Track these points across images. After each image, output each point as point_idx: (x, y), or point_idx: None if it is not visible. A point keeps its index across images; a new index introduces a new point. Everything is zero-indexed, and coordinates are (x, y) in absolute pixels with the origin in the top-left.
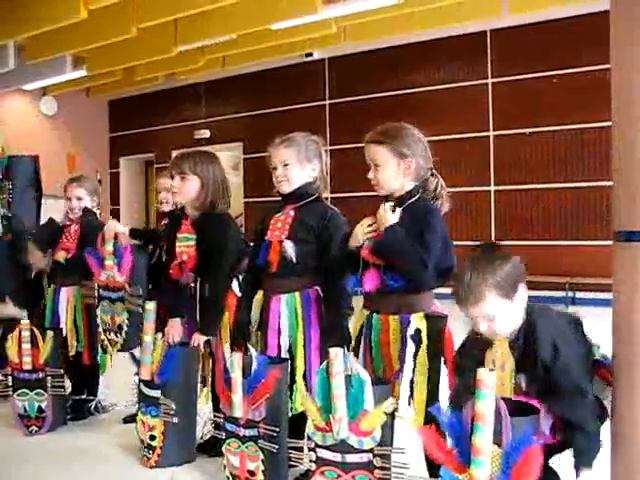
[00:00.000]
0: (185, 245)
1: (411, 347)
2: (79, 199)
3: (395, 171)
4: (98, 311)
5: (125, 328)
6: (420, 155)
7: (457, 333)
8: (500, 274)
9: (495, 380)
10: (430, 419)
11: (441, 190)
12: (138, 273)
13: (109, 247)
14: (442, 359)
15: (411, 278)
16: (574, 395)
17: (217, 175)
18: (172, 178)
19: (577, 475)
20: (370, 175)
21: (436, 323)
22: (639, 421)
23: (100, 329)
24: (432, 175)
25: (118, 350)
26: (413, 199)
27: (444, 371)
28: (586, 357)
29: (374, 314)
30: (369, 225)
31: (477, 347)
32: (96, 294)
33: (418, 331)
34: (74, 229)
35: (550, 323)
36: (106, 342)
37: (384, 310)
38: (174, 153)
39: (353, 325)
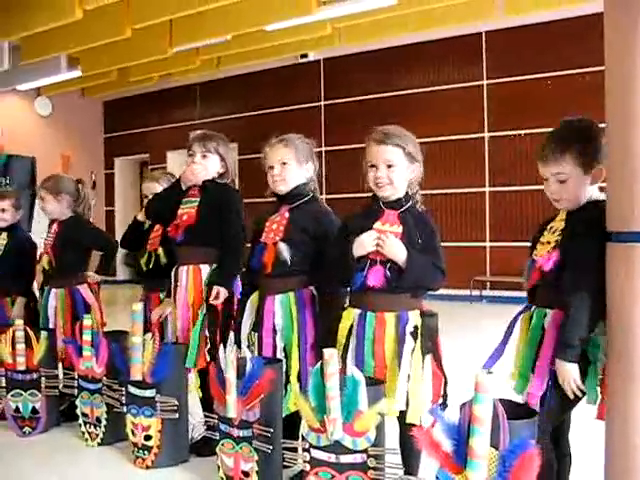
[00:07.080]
0: (188, 207)
1: (410, 343)
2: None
3: (406, 174)
4: (77, 402)
5: (104, 422)
6: (421, 162)
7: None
8: (584, 144)
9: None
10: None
11: (417, 195)
12: (115, 366)
13: (87, 337)
14: (431, 355)
15: (432, 288)
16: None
17: (231, 157)
18: (191, 156)
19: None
20: (380, 174)
21: (431, 320)
22: (634, 416)
23: (80, 421)
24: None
25: (98, 444)
26: (409, 204)
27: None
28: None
29: (368, 312)
30: (376, 238)
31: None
32: (76, 384)
33: (416, 328)
34: (54, 229)
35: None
36: (86, 435)
37: (381, 308)
38: (169, 154)
39: (341, 325)
